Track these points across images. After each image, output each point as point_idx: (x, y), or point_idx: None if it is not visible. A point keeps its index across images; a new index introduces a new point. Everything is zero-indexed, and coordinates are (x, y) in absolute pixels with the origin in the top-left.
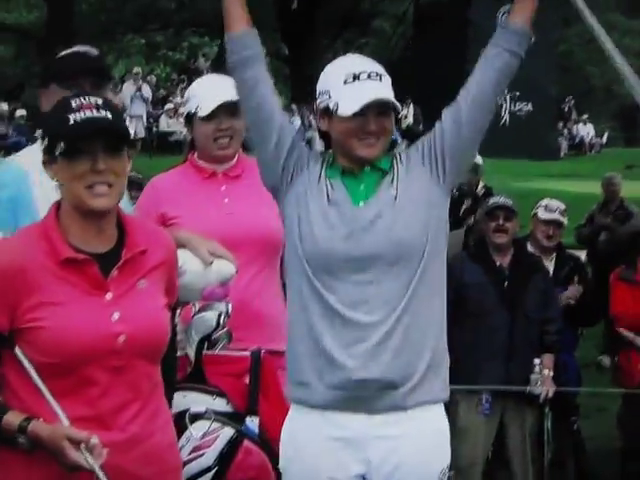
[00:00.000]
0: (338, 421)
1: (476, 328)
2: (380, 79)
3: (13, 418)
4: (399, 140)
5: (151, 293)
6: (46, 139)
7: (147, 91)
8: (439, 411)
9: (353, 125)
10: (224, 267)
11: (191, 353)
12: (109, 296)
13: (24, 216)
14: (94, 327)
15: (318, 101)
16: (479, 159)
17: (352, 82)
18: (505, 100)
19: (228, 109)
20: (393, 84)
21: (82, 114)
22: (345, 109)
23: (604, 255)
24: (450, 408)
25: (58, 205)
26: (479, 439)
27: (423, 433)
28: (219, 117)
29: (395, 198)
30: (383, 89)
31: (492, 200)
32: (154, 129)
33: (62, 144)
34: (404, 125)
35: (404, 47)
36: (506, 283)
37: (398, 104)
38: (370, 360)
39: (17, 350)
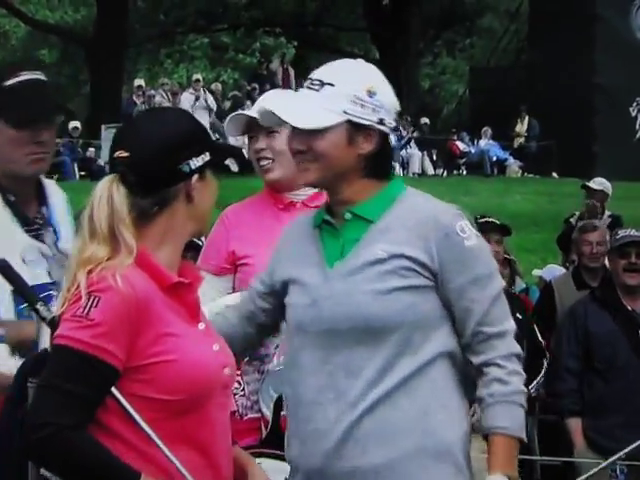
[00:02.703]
0: None
1: (607, 386)
2: (319, 88)
3: None
4: (510, 160)
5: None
6: (207, 154)
7: (211, 101)
8: None
9: None
10: None
11: (267, 412)
12: (202, 326)
13: None
14: (211, 358)
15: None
16: (602, 182)
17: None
18: None
19: (259, 126)
20: (502, 91)
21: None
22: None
23: None
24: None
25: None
26: None
27: None
28: (256, 136)
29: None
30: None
31: (621, 233)
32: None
33: (233, 161)
34: (516, 143)
35: (517, 49)
36: None
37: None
38: None
39: (115, 391)
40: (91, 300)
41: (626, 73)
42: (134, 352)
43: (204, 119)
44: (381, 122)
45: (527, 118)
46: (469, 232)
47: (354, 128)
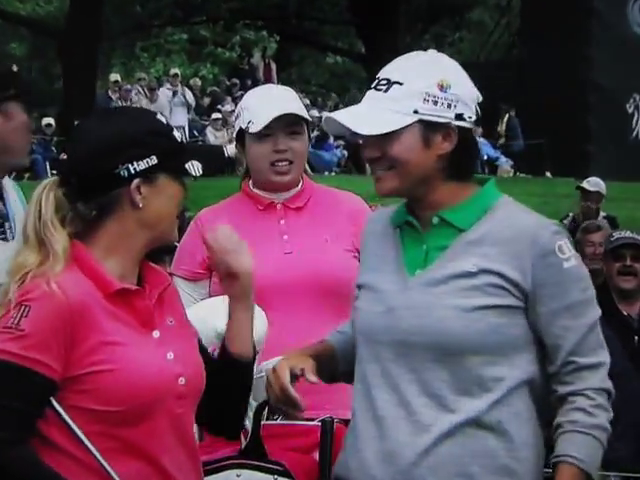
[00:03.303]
0: None
1: None
2: (386, 89)
3: None
4: (502, 159)
5: (183, 332)
6: (154, 157)
7: (190, 97)
8: None
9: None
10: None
11: (247, 422)
12: (156, 334)
13: None
14: (159, 368)
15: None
16: (597, 182)
17: None
18: (637, 108)
19: (286, 125)
20: (493, 87)
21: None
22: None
23: None
24: None
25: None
26: None
27: None
28: (275, 135)
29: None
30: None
31: (616, 235)
32: (199, 143)
33: (198, 164)
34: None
35: (508, 44)
36: (636, 338)
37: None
38: None
39: (54, 402)
40: (21, 310)
41: (622, 69)
42: (71, 362)
43: (182, 115)
44: (459, 117)
45: (507, 116)
46: (569, 253)
47: (429, 128)
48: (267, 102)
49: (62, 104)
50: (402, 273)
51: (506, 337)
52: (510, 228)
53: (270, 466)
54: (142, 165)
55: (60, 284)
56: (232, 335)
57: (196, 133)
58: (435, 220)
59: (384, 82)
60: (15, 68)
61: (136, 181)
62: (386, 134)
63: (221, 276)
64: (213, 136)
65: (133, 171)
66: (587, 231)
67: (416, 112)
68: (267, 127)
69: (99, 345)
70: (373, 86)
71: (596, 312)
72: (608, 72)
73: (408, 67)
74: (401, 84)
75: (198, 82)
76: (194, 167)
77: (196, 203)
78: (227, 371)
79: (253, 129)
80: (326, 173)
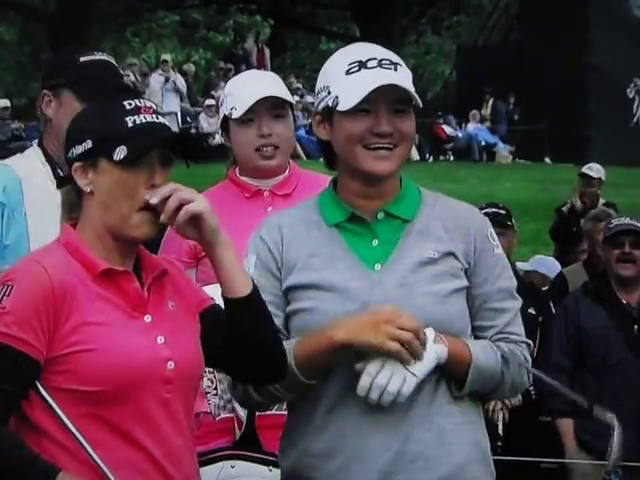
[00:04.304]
0: None
1: (600, 385)
2: (395, 68)
3: None
4: (500, 145)
5: (183, 318)
6: (89, 142)
7: (181, 83)
8: None
9: (358, 125)
10: None
11: (241, 413)
12: (148, 318)
13: (14, 225)
14: (145, 350)
15: (316, 102)
16: (599, 169)
17: (357, 71)
18: (638, 93)
19: (269, 108)
20: (493, 71)
21: (142, 118)
22: (345, 103)
23: None
24: None
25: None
26: None
27: None
28: (259, 118)
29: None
30: (399, 78)
31: (615, 222)
32: (192, 130)
33: (124, 149)
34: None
35: (507, 27)
36: (636, 327)
37: (418, 99)
38: None
39: (39, 385)
40: (5, 289)
41: (623, 52)
42: (54, 343)
43: (173, 102)
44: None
45: (491, 101)
46: (497, 240)
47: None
48: (250, 86)
49: None
50: (360, 269)
51: (466, 319)
52: (451, 215)
53: (264, 457)
54: (80, 149)
55: (44, 265)
56: (225, 280)
57: (189, 120)
58: (380, 215)
59: (387, 62)
60: (76, 56)
61: (75, 165)
62: (402, 111)
63: (183, 230)
64: (206, 122)
65: (74, 154)
66: (597, 219)
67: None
68: (250, 111)
69: (81, 325)
70: (376, 65)
71: (519, 301)
72: (608, 55)
73: (389, 52)
74: (402, 66)
75: (192, 67)
76: (118, 153)
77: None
78: (241, 316)
79: (236, 114)
80: (321, 159)
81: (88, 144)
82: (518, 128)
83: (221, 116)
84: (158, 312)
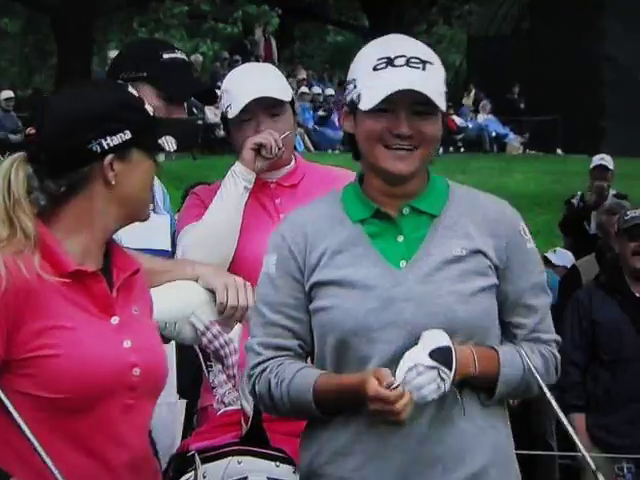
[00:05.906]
0: None
1: (613, 379)
2: (423, 67)
3: None
4: (511, 136)
5: (147, 323)
6: (127, 132)
7: None
8: None
9: (377, 125)
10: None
11: (248, 407)
12: (115, 320)
13: None
14: (111, 355)
15: (345, 93)
16: (608, 159)
17: (384, 68)
18: None
19: (265, 107)
20: (502, 63)
21: None
22: (366, 102)
23: None
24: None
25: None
26: None
27: None
28: (256, 118)
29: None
30: (423, 80)
31: (630, 214)
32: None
33: (172, 139)
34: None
35: (519, 16)
36: None
37: (442, 103)
38: None
39: None
40: None
41: (637, 42)
42: (15, 344)
43: None
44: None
45: (473, 92)
46: (528, 234)
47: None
48: (244, 84)
49: (57, 81)
50: (384, 266)
51: (492, 317)
52: (480, 210)
53: (271, 452)
54: (116, 140)
55: (8, 264)
56: None
57: (195, 111)
58: (406, 210)
59: (416, 60)
60: (159, 52)
61: (109, 157)
62: (425, 113)
63: None
64: (212, 114)
65: (106, 146)
66: (612, 212)
67: (445, 94)
68: (245, 111)
69: (46, 329)
70: (403, 64)
71: (550, 296)
72: (622, 45)
73: (422, 48)
74: (433, 64)
75: (200, 59)
76: (168, 142)
77: (198, 183)
78: None
79: (231, 114)
80: (329, 151)
81: (127, 134)
82: (530, 119)
83: (220, 112)
84: (125, 314)
